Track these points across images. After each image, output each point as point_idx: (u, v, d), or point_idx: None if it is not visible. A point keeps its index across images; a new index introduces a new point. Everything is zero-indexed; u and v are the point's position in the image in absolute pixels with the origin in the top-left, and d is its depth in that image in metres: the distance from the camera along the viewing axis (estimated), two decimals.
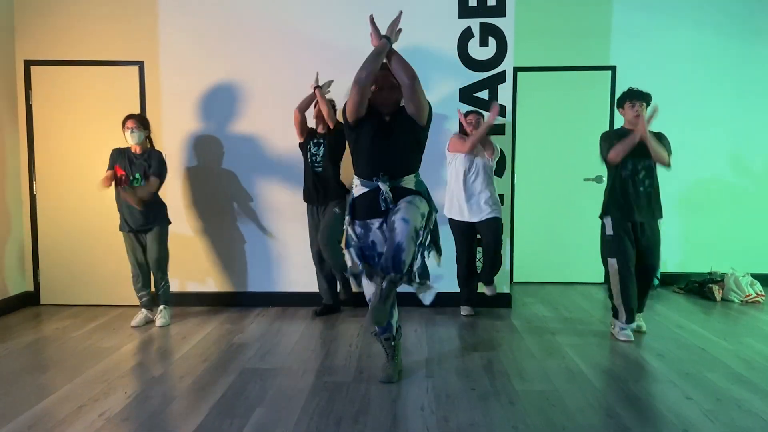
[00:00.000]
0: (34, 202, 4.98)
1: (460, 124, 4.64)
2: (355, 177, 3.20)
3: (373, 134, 3.07)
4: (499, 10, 4.75)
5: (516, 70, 5.70)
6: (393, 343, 3.36)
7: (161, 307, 4.53)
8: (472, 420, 2.79)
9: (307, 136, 4.59)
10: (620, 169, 3.98)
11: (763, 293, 5.16)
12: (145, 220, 4.36)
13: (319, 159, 4.50)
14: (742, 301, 5.11)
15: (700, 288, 5.36)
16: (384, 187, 3.03)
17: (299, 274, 4.97)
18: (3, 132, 4.81)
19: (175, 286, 4.95)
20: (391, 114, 3.11)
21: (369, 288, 3.09)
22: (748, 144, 5.81)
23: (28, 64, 4.92)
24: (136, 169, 4.30)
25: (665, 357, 3.69)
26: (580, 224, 5.72)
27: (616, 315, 4.08)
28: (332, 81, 4.52)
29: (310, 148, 4.53)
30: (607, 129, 5.77)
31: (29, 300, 5.03)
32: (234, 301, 5.00)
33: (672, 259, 5.79)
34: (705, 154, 5.81)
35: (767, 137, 5.79)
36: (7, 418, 2.82)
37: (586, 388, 3.19)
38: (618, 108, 4.05)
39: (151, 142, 4.44)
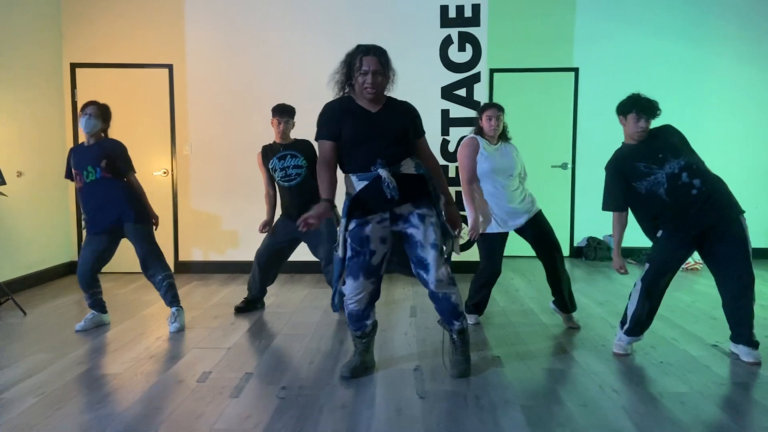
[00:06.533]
0: None
1: (476, 122, 4.05)
2: (350, 175, 2.97)
3: (361, 124, 2.93)
4: (475, 21, 5.62)
5: (492, 71, 6.58)
6: (364, 340, 3.14)
7: (174, 309, 3.98)
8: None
9: (266, 152, 4.34)
10: (654, 187, 3.19)
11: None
12: (113, 218, 3.86)
13: (290, 171, 4.23)
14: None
15: None
16: (384, 172, 2.86)
17: (303, 245, 5.82)
18: (52, 126, 5.66)
19: (199, 255, 5.83)
20: (377, 107, 2.97)
21: (350, 288, 2.99)
22: (693, 135, 6.65)
23: (73, 66, 5.77)
24: (88, 162, 3.83)
25: (605, 304, 4.57)
26: (548, 205, 6.54)
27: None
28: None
29: (274, 164, 4.26)
30: (571, 126, 6.69)
31: (74, 268, 5.84)
32: (249, 269, 5.81)
33: (628, 233, 6.62)
34: None
35: (710, 128, 6.66)
36: (86, 341, 3.67)
37: (536, 324, 4.06)
38: (619, 115, 3.33)
39: (105, 135, 4.02)
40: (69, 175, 4.02)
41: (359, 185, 2.92)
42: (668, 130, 3.31)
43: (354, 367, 3.06)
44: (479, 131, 3.96)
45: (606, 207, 3.38)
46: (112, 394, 2.82)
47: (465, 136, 4.07)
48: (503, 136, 4.02)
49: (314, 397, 2.78)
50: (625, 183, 3.27)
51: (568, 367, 3.18)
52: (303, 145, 4.30)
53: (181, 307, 4.01)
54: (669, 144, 3.22)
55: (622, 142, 3.37)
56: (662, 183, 3.16)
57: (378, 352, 3.40)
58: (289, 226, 4.18)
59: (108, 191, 3.84)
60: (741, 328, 3.23)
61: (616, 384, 2.92)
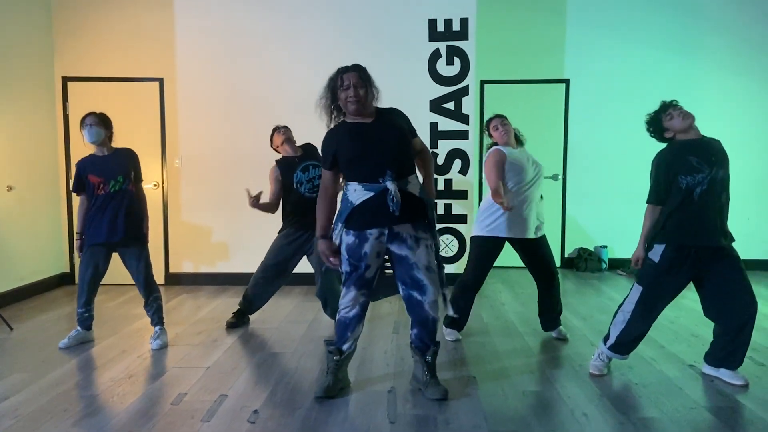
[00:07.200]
0: (70, 197, 5.87)
1: (488, 136, 4.22)
2: (352, 183, 2.96)
3: (358, 138, 2.94)
4: (463, 35, 5.64)
5: (483, 82, 6.61)
6: (336, 358, 3.10)
7: (158, 328, 4.04)
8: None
9: (286, 166, 4.32)
10: (693, 184, 3.13)
11: None
12: (127, 234, 3.90)
13: (316, 182, 4.20)
14: None
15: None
16: (392, 186, 2.85)
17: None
18: (44, 138, 5.71)
19: (189, 268, 5.87)
20: (371, 119, 2.99)
21: (343, 299, 3.07)
22: None
23: (65, 80, 5.82)
24: (118, 171, 3.88)
25: (587, 320, 4.57)
26: None
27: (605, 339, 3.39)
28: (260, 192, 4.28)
29: (300, 178, 4.27)
30: (562, 137, 6.70)
31: (66, 280, 5.93)
32: (239, 281, 5.87)
33: (619, 245, 6.66)
34: (648, 156, 6.67)
35: None
36: (68, 359, 3.71)
37: (517, 340, 4.07)
38: (665, 134, 3.42)
39: (111, 141, 4.03)
40: (79, 188, 3.92)
41: (364, 195, 2.90)
42: (720, 144, 3.30)
43: (327, 387, 3.05)
44: (494, 144, 4.06)
45: (650, 200, 3.31)
46: (86, 417, 2.86)
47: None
48: (519, 141, 4.09)
49: (286, 421, 2.80)
50: (671, 177, 3.21)
51: (542, 389, 3.19)
52: (315, 152, 4.27)
53: (164, 327, 4.09)
54: (721, 153, 3.23)
55: (673, 141, 3.37)
56: (703, 183, 3.12)
57: (356, 370, 3.42)
58: (299, 239, 4.27)
59: (126, 204, 3.88)
60: (736, 355, 3.22)
61: (587, 408, 2.93)
